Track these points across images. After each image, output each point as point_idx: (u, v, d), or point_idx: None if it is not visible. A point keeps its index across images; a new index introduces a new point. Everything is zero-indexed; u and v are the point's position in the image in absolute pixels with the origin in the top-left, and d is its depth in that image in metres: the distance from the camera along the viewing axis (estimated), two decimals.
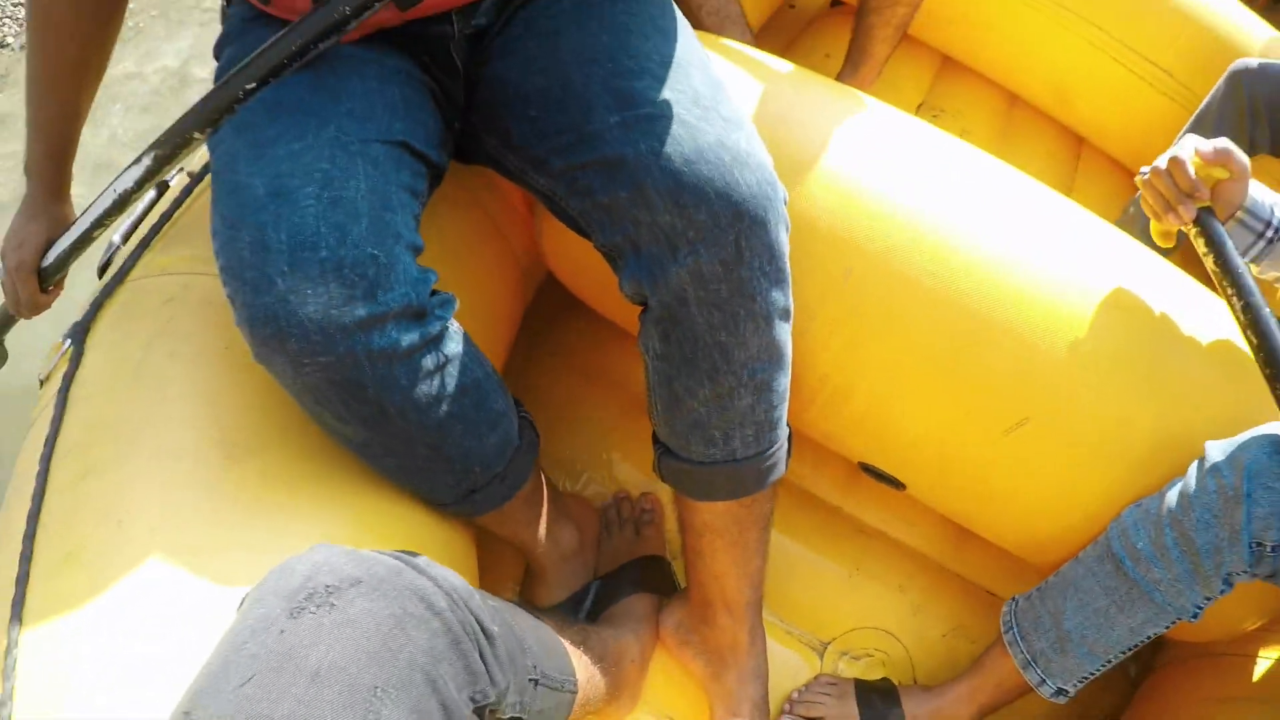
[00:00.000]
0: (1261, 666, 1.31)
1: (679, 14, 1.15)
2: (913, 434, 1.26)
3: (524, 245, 1.46)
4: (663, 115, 0.98)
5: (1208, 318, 1.25)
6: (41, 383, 1.13)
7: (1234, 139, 1.86)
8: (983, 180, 1.29)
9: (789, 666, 1.41)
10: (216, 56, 1.15)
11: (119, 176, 1.03)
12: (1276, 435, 1.09)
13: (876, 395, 1.24)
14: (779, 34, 2.38)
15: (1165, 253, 1.79)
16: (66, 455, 0.93)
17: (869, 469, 1.38)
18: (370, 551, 0.69)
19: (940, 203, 1.23)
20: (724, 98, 1.05)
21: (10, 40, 3.22)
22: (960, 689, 1.33)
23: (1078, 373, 1.19)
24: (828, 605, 1.45)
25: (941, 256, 1.19)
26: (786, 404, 1.12)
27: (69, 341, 1.08)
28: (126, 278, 1.13)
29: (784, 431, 1.14)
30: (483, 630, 0.72)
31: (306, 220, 0.87)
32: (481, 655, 0.70)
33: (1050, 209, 1.31)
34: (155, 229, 1.18)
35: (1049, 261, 1.22)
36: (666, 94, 1.00)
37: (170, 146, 0.98)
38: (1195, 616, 1.15)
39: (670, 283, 0.97)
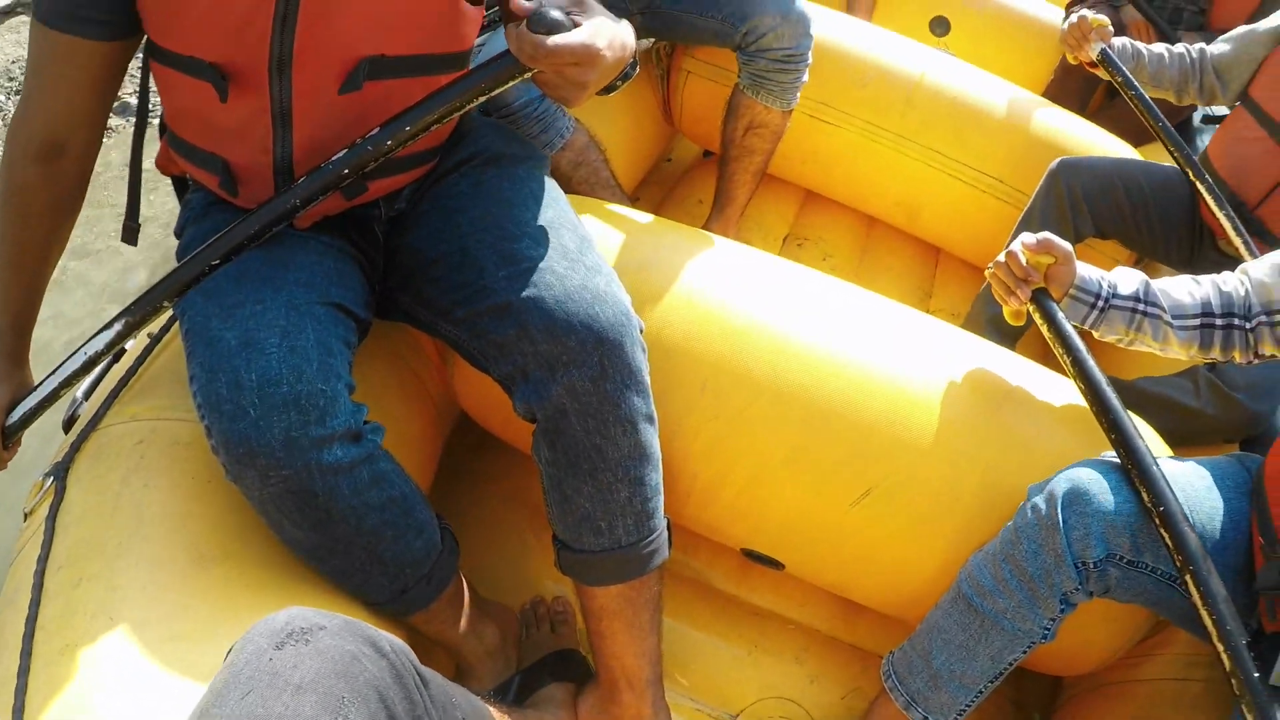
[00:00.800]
0: (1144, 690, 1.55)
1: (554, 185, 1.49)
2: (778, 516, 1.54)
3: (437, 388, 1.74)
4: (538, 268, 1.29)
5: (1027, 386, 1.54)
6: (26, 515, 1.34)
7: (1059, 228, 2.29)
8: (816, 295, 1.61)
9: None
10: (178, 235, 1.43)
11: (89, 341, 1.27)
12: (1082, 470, 1.34)
13: (742, 485, 1.52)
14: (660, 184, 2.79)
15: (1011, 337, 2.13)
16: (59, 569, 1.16)
17: (750, 554, 1.65)
18: (329, 611, 0.95)
19: (779, 317, 1.54)
20: (588, 250, 1.37)
21: None
22: None
23: (909, 444, 1.47)
24: (732, 681, 1.69)
25: (782, 361, 1.49)
26: (661, 498, 1.39)
27: (51, 479, 1.30)
28: (100, 424, 1.37)
29: (661, 522, 1.41)
30: (419, 675, 0.97)
31: (271, 364, 1.15)
32: (419, 691, 0.95)
33: (879, 312, 1.63)
34: (122, 382, 1.43)
35: (877, 354, 1.53)
36: (541, 251, 1.31)
37: (139, 314, 1.23)
38: (1047, 636, 1.37)
39: (552, 399, 1.27)
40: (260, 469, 1.14)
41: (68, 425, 1.47)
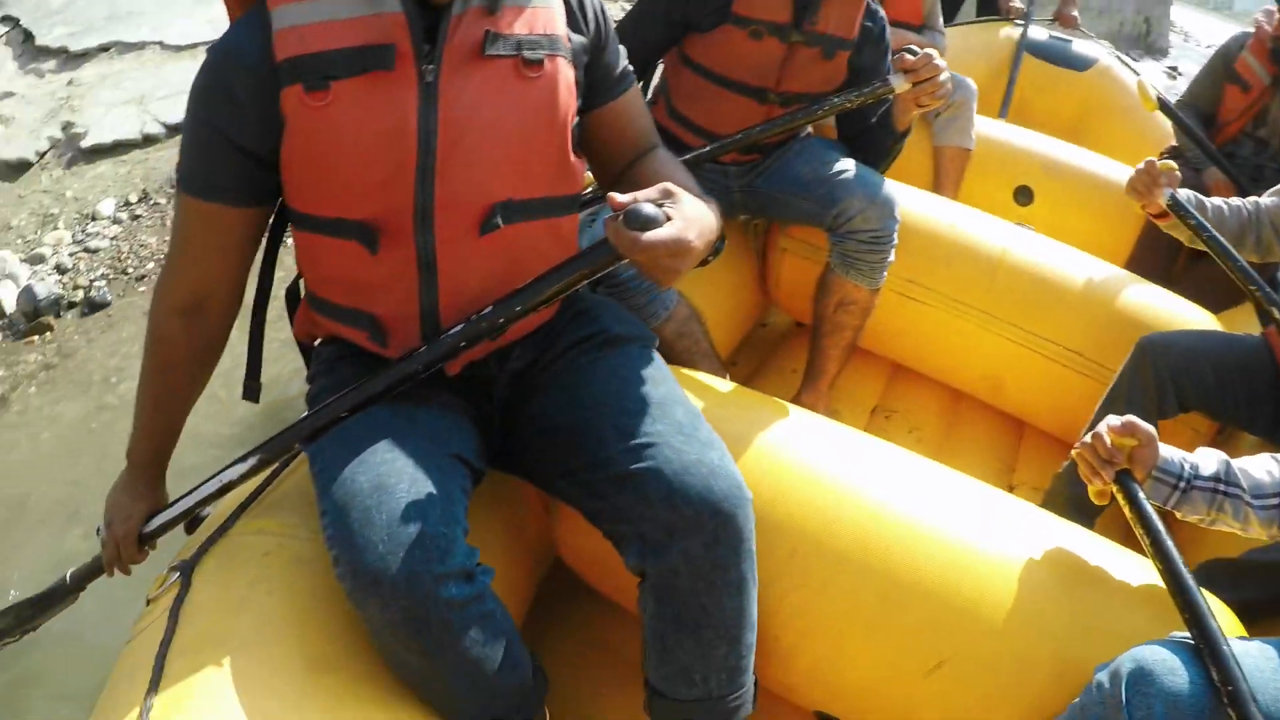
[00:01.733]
0: None
1: (663, 363, 1.67)
2: (854, 682, 1.66)
3: (536, 536, 1.91)
4: (655, 442, 1.46)
5: (1104, 565, 1.62)
6: (149, 601, 1.51)
7: (1145, 408, 2.31)
8: (901, 471, 1.77)
9: None
10: (310, 382, 1.64)
11: (226, 469, 1.48)
12: (1148, 649, 1.39)
13: (821, 651, 1.65)
14: (755, 349, 3.00)
15: (1091, 516, 2.19)
16: (179, 656, 1.30)
17: (823, 716, 1.76)
18: None
19: (865, 491, 1.69)
20: (701, 425, 1.53)
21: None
22: None
23: (984, 619, 1.57)
24: None
25: (866, 534, 1.64)
26: (752, 656, 1.53)
27: (177, 574, 1.47)
28: (228, 531, 1.55)
29: (750, 679, 1.55)
30: None
31: (400, 506, 1.32)
32: None
33: (961, 490, 1.76)
34: (252, 497, 1.62)
35: (957, 530, 1.65)
36: (657, 426, 1.48)
37: (273, 452, 1.44)
38: None
39: (666, 561, 1.42)
40: (383, 597, 1.29)
41: (190, 527, 1.66)
